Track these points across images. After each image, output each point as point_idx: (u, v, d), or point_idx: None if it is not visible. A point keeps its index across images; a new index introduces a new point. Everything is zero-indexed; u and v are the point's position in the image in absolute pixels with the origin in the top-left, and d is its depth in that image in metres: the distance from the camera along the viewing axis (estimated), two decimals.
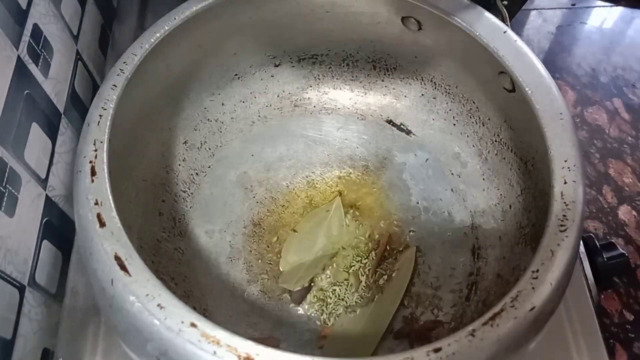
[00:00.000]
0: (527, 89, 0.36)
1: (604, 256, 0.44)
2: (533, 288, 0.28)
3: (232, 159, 0.47)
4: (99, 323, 0.38)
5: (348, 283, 0.41)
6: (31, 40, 0.37)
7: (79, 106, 0.45)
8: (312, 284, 0.41)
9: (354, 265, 0.42)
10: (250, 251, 0.43)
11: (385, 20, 0.44)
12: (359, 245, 0.43)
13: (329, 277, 0.42)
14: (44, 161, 0.39)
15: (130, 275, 0.28)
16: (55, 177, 0.40)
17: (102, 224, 0.29)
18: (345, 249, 0.43)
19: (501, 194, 0.43)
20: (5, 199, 0.33)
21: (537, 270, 0.29)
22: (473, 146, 0.46)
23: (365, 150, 0.48)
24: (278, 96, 0.50)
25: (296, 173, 0.47)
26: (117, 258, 0.28)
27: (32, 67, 0.37)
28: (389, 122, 0.49)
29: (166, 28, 0.38)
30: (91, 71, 0.49)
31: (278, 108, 0.50)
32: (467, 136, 0.46)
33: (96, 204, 0.30)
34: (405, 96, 0.49)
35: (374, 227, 0.44)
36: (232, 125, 0.48)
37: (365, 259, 0.42)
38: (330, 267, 0.42)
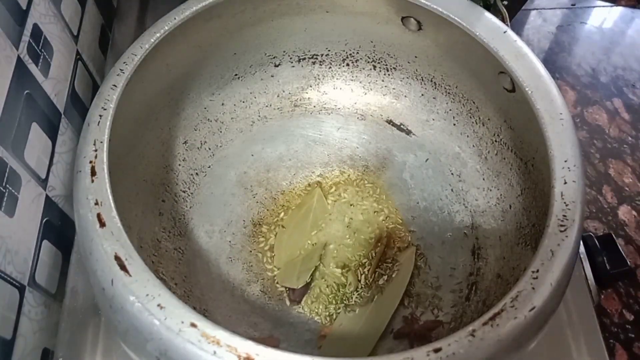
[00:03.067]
0: (527, 89, 0.36)
1: (608, 266, 0.43)
2: (533, 288, 0.28)
3: (232, 159, 0.47)
4: (99, 323, 0.38)
5: (347, 283, 0.41)
6: (31, 40, 0.37)
7: (79, 106, 0.45)
8: (312, 283, 0.41)
9: (354, 264, 0.42)
10: (250, 251, 0.43)
11: (385, 20, 0.44)
12: (355, 237, 0.43)
13: (329, 277, 0.42)
14: (44, 161, 0.39)
15: (130, 275, 0.28)
16: (55, 177, 0.40)
17: (102, 224, 0.29)
18: (339, 240, 0.43)
19: (501, 194, 0.43)
20: (5, 199, 0.33)
21: (537, 270, 0.29)
22: (473, 146, 0.46)
23: (365, 150, 0.48)
24: (278, 96, 0.50)
25: (296, 173, 0.47)
26: (117, 258, 0.28)
27: (32, 67, 0.37)
28: (389, 122, 0.49)
29: (166, 28, 0.38)
30: (91, 71, 0.49)
31: (278, 108, 0.50)
32: (467, 136, 0.46)
33: (96, 204, 0.30)
34: (405, 96, 0.49)
35: (374, 227, 0.44)
36: (232, 125, 0.48)
37: (364, 258, 0.42)
38: (327, 263, 0.42)
